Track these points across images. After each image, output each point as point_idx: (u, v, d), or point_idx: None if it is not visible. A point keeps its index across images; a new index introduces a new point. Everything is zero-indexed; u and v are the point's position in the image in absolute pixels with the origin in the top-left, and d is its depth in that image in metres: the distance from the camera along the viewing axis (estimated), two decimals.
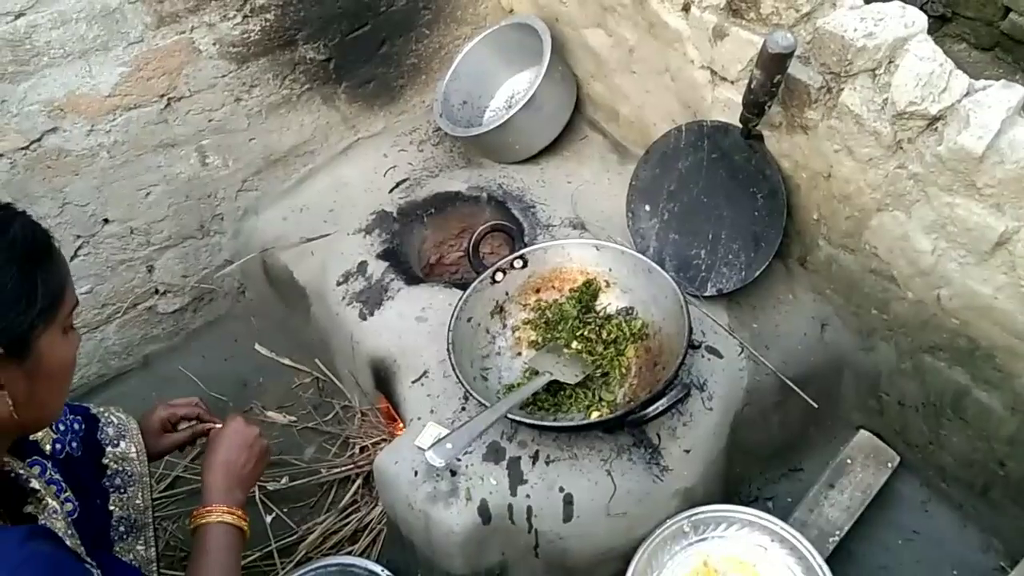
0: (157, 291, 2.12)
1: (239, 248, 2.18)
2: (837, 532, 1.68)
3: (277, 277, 2.13)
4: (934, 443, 1.69)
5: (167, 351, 2.23)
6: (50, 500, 1.09)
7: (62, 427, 1.23)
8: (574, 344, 1.67)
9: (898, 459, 1.76)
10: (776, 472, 1.86)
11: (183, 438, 1.44)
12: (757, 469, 1.84)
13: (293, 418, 2.10)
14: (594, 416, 1.54)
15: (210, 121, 1.95)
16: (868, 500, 1.72)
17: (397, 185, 2.14)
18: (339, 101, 2.15)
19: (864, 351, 1.73)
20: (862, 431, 1.81)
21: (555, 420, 1.55)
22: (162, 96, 1.85)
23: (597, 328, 1.67)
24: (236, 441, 1.30)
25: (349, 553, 1.80)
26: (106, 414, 1.38)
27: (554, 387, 1.60)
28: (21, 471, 1.09)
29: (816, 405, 1.69)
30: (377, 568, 1.76)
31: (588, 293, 1.71)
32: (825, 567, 1.51)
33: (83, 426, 1.30)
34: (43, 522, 1.03)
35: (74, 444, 1.27)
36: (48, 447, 1.20)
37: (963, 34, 2.91)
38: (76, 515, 1.16)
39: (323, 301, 1.96)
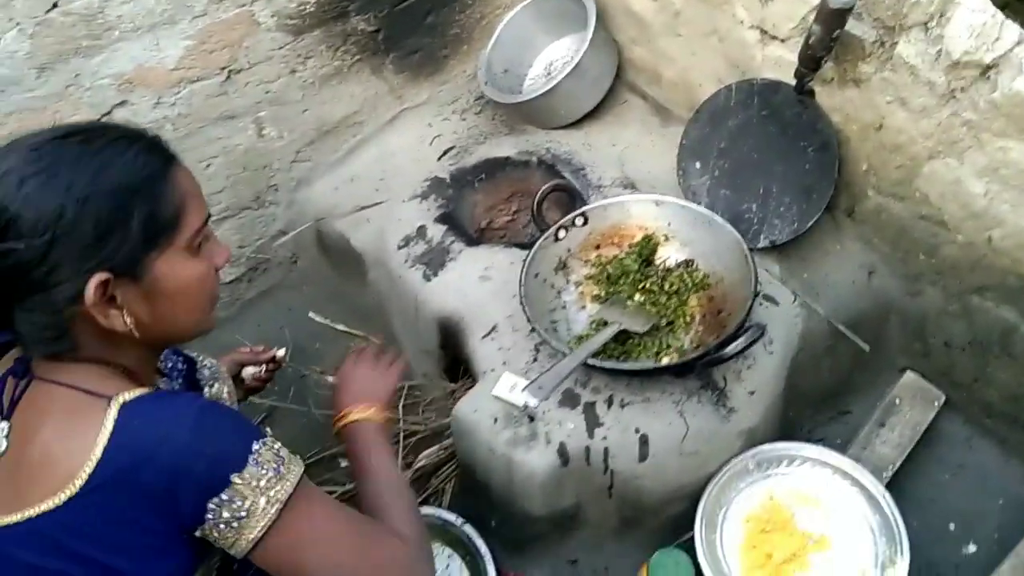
0: None
1: (292, 218, 2.24)
2: (890, 466, 1.77)
3: (333, 245, 2.19)
4: (980, 380, 1.78)
5: (223, 321, 2.28)
6: None
7: (169, 365, 1.30)
8: (637, 296, 1.75)
9: (944, 397, 1.85)
10: (826, 416, 1.95)
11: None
12: (808, 413, 1.92)
13: None
14: (664, 361, 1.62)
15: (267, 93, 2.00)
16: (917, 437, 1.81)
17: (445, 153, 2.20)
18: (387, 72, 2.20)
19: (911, 296, 1.81)
20: (908, 372, 1.89)
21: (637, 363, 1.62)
22: (223, 69, 1.90)
23: (659, 280, 1.74)
24: (360, 367, 1.40)
25: (422, 503, 1.88)
26: (200, 357, 1.44)
27: (622, 337, 1.67)
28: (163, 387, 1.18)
29: (867, 348, 1.77)
30: (451, 516, 1.84)
31: (648, 248, 1.78)
32: (887, 495, 1.60)
33: (185, 366, 1.36)
34: None
35: (179, 383, 1.33)
36: (162, 384, 1.26)
37: None
38: None
39: (382, 266, 2.03)
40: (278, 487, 0.96)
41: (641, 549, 1.73)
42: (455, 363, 1.99)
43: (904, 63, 1.50)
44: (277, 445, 1.00)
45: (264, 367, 1.59)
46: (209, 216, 1.05)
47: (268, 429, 1.00)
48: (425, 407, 2.03)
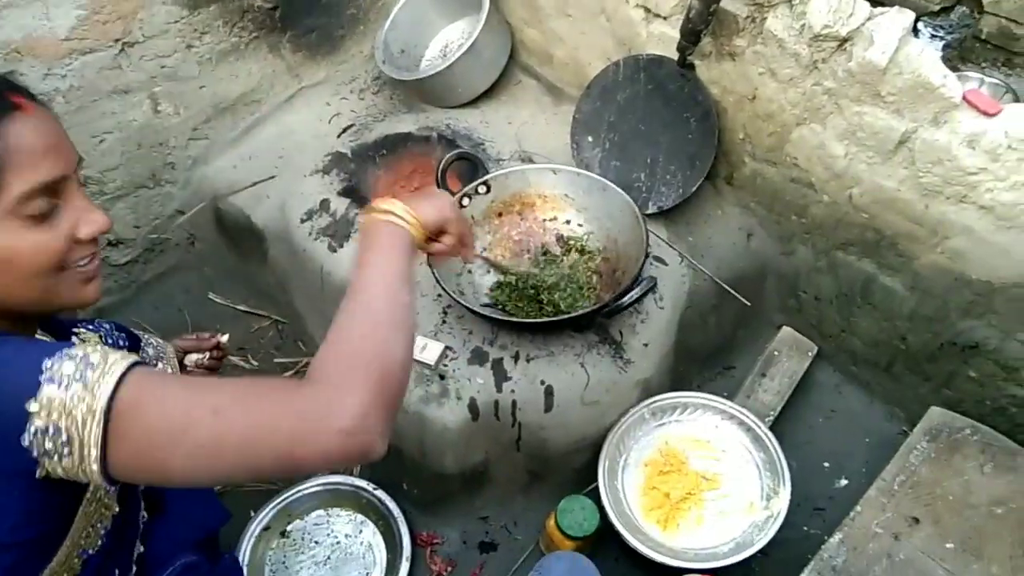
0: (110, 242, 2.13)
1: (189, 198, 2.21)
2: (772, 412, 1.93)
3: (232, 223, 2.18)
4: (846, 331, 1.97)
5: (119, 304, 2.23)
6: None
7: (110, 341, 1.25)
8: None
9: (816, 348, 2.03)
10: (712, 371, 2.09)
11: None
12: (696, 369, 2.06)
13: (255, 363, 2.17)
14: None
15: (162, 67, 1.98)
16: (795, 384, 1.98)
17: (344, 131, 2.23)
18: (284, 50, 2.21)
19: (785, 255, 1.98)
20: (784, 328, 2.06)
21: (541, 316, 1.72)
22: (117, 41, 1.87)
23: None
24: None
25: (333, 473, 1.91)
26: (146, 336, 1.40)
27: (529, 296, 1.77)
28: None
29: (749, 303, 1.92)
30: (362, 482, 1.87)
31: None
32: (770, 433, 1.75)
33: (127, 344, 1.31)
34: None
35: None
36: None
37: None
38: None
39: (284, 241, 2.04)
40: (89, 398, 0.81)
41: (547, 502, 1.83)
42: None
43: (773, 36, 1.65)
44: (82, 353, 0.84)
45: (208, 354, 1.51)
46: (63, 177, 0.90)
47: (76, 339, 0.86)
48: None
